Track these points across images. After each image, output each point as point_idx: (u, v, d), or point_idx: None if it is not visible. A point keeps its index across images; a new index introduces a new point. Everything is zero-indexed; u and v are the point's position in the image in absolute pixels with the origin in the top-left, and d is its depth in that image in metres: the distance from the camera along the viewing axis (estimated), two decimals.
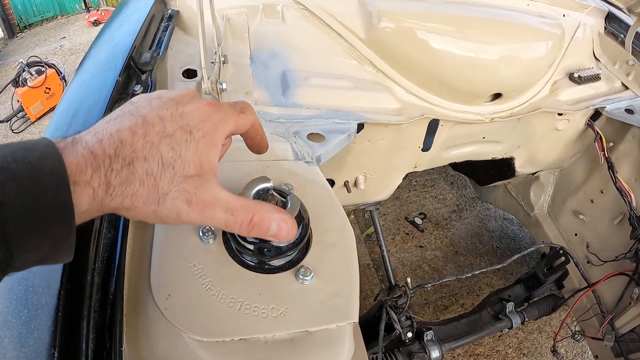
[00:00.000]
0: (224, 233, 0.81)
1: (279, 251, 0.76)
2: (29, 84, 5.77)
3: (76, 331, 0.69)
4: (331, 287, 0.80)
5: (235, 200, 0.61)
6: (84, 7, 10.63)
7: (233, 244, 0.78)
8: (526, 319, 2.17)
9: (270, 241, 0.74)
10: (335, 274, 0.82)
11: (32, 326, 0.69)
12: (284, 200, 0.74)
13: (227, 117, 0.63)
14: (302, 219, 0.77)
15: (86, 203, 0.52)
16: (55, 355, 0.65)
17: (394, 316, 1.80)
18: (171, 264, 0.78)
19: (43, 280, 0.73)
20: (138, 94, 1.15)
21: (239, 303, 0.74)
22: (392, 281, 2.26)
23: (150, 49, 1.40)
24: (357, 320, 0.78)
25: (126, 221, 0.84)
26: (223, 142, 0.64)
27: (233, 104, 0.67)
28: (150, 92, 1.13)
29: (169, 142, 0.56)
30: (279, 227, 0.63)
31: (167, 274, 0.77)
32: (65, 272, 0.73)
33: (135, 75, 1.25)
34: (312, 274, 0.79)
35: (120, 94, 1.14)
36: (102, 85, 1.15)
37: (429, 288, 3.01)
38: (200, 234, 0.81)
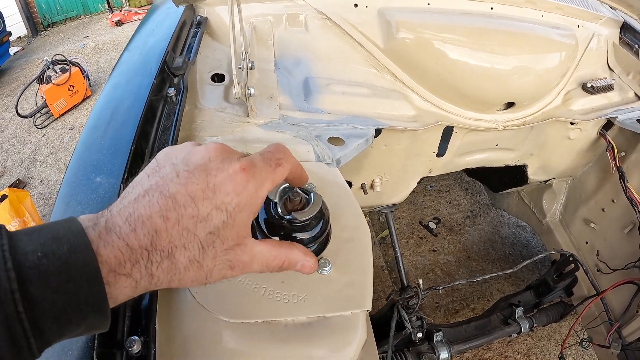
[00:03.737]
0: (251, 225, 0.88)
1: (301, 243, 0.82)
2: (53, 81, 5.88)
3: (115, 309, 0.75)
4: (347, 277, 0.86)
5: (269, 251, 0.65)
6: (107, 7, 10.75)
7: (259, 234, 0.84)
8: (535, 325, 2.19)
9: (293, 234, 0.81)
10: (351, 266, 0.89)
11: None
12: (308, 197, 0.81)
13: (263, 181, 0.60)
14: (322, 215, 0.84)
15: (129, 292, 0.52)
16: None
17: (405, 315, 1.84)
18: None
19: None
20: (171, 96, 1.22)
21: (263, 289, 0.81)
22: (405, 282, 2.30)
23: (181, 54, 1.47)
24: (370, 308, 0.84)
25: None
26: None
27: (268, 157, 0.63)
28: (182, 95, 1.21)
29: (205, 226, 0.54)
30: (303, 266, 0.71)
31: None
32: None
33: (168, 78, 1.32)
34: (330, 265, 0.86)
35: (155, 96, 1.21)
36: (139, 87, 1.22)
37: (440, 291, 3.06)
38: None
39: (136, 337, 0.73)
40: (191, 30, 1.63)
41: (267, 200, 0.82)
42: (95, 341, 0.70)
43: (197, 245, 0.54)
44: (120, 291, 0.51)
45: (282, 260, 0.67)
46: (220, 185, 0.55)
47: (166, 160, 0.58)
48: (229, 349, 0.77)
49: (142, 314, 0.78)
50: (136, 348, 0.71)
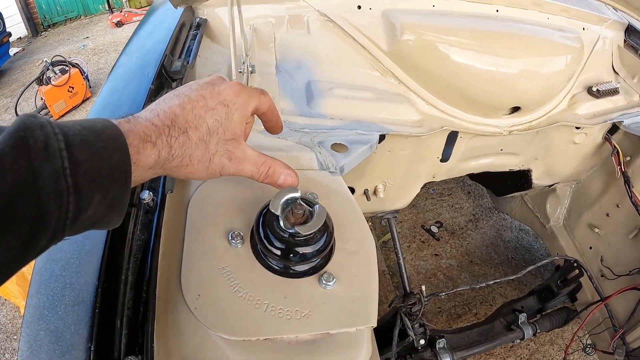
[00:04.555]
0: (252, 238, 0.85)
1: (304, 257, 0.80)
2: (52, 82, 5.87)
3: (111, 327, 0.73)
4: (352, 292, 0.84)
5: (258, 156, 0.79)
6: (107, 8, 10.74)
7: (260, 248, 0.82)
8: (538, 331, 2.16)
9: (296, 248, 0.78)
10: (356, 280, 0.86)
11: (69, 321, 0.72)
12: (311, 209, 0.79)
13: (252, 94, 0.78)
14: (326, 228, 0.81)
15: (152, 161, 0.64)
16: (92, 349, 0.69)
17: (408, 323, 1.82)
18: (201, 266, 0.82)
19: (81, 277, 0.77)
20: None
21: (265, 305, 0.78)
22: (407, 288, 2.28)
23: (180, 57, 1.45)
24: (375, 324, 0.81)
25: (159, 223, 0.88)
26: (248, 119, 0.79)
27: (253, 87, 0.81)
28: None
29: (212, 114, 0.71)
30: (285, 180, 0.82)
31: (197, 275, 0.81)
32: (102, 271, 0.77)
33: (166, 83, 1.29)
34: (334, 279, 0.83)
35: (153, 101, 1.17)
36: (136, 93, 1.19)
37: (443, 296, 3.03)
38: (230, 238, 0.85)
39: (133, 357, 0.70)
40: (190, 33, 1.61)
41: (269, 214, 0.79)
42: None
43: (205, 128, 0.70)
44: (145, 159, 0.63)
45: (269, 166, 0.80)
46: (223, 90, 0.74)
47: (179, 87, 0.75)
48: None
49: (139, 332, 0.75)
50: None
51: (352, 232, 0.95)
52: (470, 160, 2.10)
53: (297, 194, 0.78)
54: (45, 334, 0.72)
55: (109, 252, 0.80)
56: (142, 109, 1.09)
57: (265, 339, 0.76)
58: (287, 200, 0.77)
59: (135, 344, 0.73)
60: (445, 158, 1.94)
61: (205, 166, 0.72)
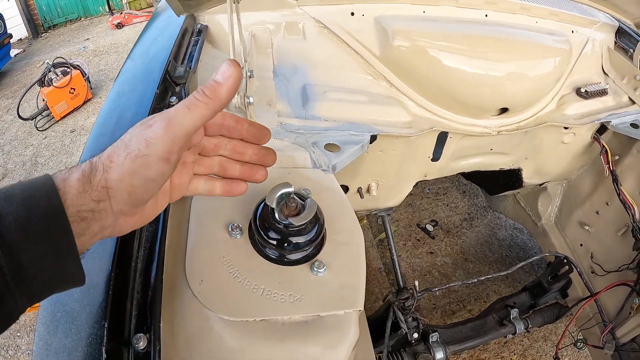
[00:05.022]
0: (250, 229, 0.93)
1: (297, 246, 0.88)
2: (54, 84, 5.92)
3: (122, 309, 0.80)
4: (341, 279, 0.91)
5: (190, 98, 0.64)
6: (107, 10, 10.76)
7: (257, 238, 0.89)
8: (530, 326, 2.20)
9: (290, 238, 0.86)
10: (345, 268, 0.94)
11: (85, 302, 0.80)
12: (303, 203, 0.86)
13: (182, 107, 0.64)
14: (318, 219, 0.89)
15: (77, 180, 0.58)
16: (106, 326, 0.76)
17: (401, 316, 1.86)
18: (204, 255, 0.90)
19: (96, 264, 0.84)
20: (174, 104, 1.26)
21: (261, 289, 0.86)
22: (401, 284, 2.32)
23: (182, 62, 1.51)
24: (362, 308, 0.89)
25: (166, 216, 0.95)
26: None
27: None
28: None
29: (128, 133, 0.62)
30: (222, 72, 0.64)
31: (200, 263, 0.89)
32: (114, 258, 0.84)
33: (170, 87, 1.35)
34: (325, 267, 0.90)
35: (159, 104, 1.25)
36: (142, 96, 1.27)
37: (437, 292, 3.09)
38: (229, 229, 0.93)
39: (142, 335, 0.76)
40: (192, 39, 1.66)
41: (266, 207, 0.87)
42: (105, 337, 0.74)
43: (121, 140, 0.62)
44: (72, 182, 0.58)
45: (197, 91, 0.64)
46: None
47: None
48: (228, 345, 0.81)
49: (147, 313, 0.81)
50: (142, 345, 0.75)
51: (342, 224, 1.02)
52: (460, 159, 2.14)
53: (291, 189, 0.85)
54: (62, 315, 0.80)
55: (120, 242, 0.87)
56: (149, 112, 1.17)
57: (262, 320, 0.83)
58: (282, 194, 0.84)
59: (144, 324, 0.80)
60: (436, 158, 1.99)
61: (126, 153, 0.60)
